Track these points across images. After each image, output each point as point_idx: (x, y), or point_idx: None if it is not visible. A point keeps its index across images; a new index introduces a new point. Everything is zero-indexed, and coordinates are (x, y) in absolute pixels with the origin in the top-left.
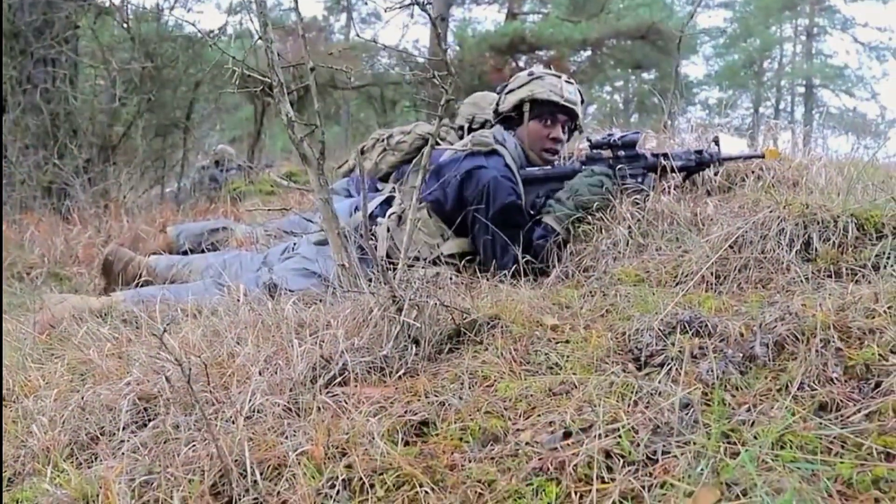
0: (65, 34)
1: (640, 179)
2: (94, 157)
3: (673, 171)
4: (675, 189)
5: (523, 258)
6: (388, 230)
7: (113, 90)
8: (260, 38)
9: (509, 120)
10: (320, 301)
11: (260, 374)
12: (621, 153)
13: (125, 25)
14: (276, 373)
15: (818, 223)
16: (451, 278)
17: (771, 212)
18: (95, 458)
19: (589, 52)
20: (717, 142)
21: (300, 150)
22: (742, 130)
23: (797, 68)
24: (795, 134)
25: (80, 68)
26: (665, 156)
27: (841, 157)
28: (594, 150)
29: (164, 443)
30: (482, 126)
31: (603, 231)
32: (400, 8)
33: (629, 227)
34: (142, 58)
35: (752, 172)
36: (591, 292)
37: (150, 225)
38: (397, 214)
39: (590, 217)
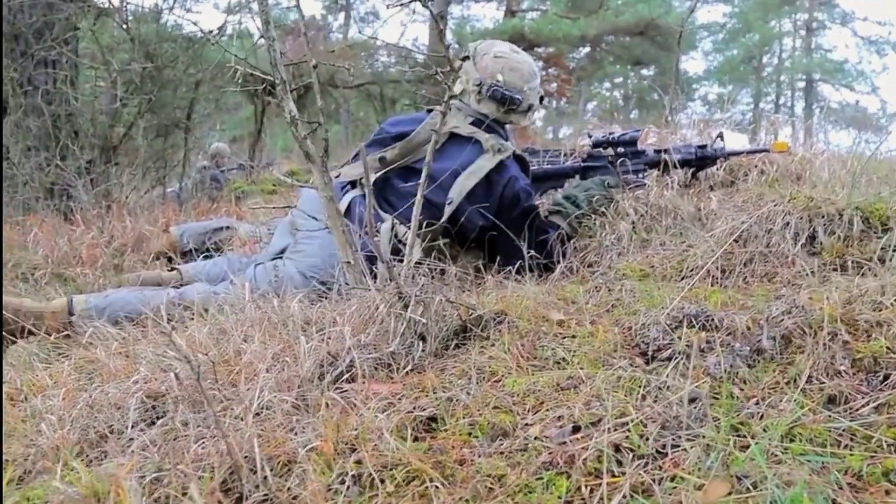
0: (65, 36)
1: (641, 175)
2: (95, 158)
3: (675, 166)
4: (679, 185)
5: (529, 254)
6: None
7: (113, 91)
8: (262, 36)
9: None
10: (326, 298)
11: (267, 371)
12: (621, 150)
13: (125, 26)
14: (283, 370)
15: (823, 217)
16: (455, 275)
17: (775, 206)
18: (105, 456)
19: (588, 49)
20: (721, 137)
21: (304, 148)
22: (743, 126)
23: (797, 63)
24: (796, 129)
25: (80, 70)
26: (666, 151)
27: (843, 152)
28: (595, 149)
29: (174, 440)
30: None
31: (606, 227)
32: (401, 5)
33: (633, 222)
34: (142, 58)
35: (756, 167)
36: (596, 287)
37: (153, 225)
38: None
39: (593, 214)
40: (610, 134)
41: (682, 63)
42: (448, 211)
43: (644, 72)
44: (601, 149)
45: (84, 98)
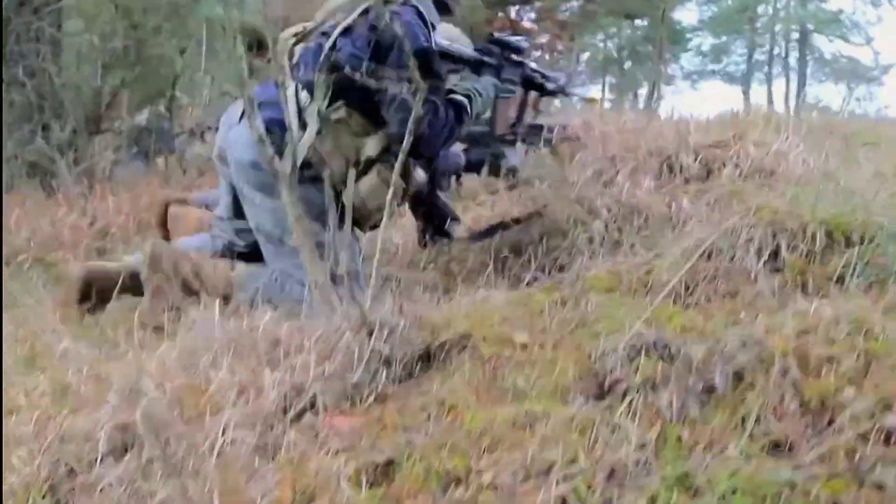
0: (47, 8)
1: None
2: (80, 129)
3: (541, 89)
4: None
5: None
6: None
7: (97, 62)
8: None
9: None
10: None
11: (234, 405)
12: (506, 54)
13: None
14: (248, 403)
15: (787, 231)
16: (424, 285)
17: (741, 218)
18: (73, 493)
19: (580, 2)
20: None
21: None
22: (736, 77)
23: (791, 14)
24: (789, 85)
25: (62, 42)
26: (543, 75)
27: (831, 113)
28: (490, 44)
29: (142, 478)
30: None
31: (579, 225)
32: None
33: (605, 223)
34: (126, 28)
35: (731, 159)
36: (563, 299)
37: (136, 203)
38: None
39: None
40: (510, 33)
41: (675, 13)
42: (310, 25)
43: (637, 22)
44: (494, 46)
45: (68, 71)
